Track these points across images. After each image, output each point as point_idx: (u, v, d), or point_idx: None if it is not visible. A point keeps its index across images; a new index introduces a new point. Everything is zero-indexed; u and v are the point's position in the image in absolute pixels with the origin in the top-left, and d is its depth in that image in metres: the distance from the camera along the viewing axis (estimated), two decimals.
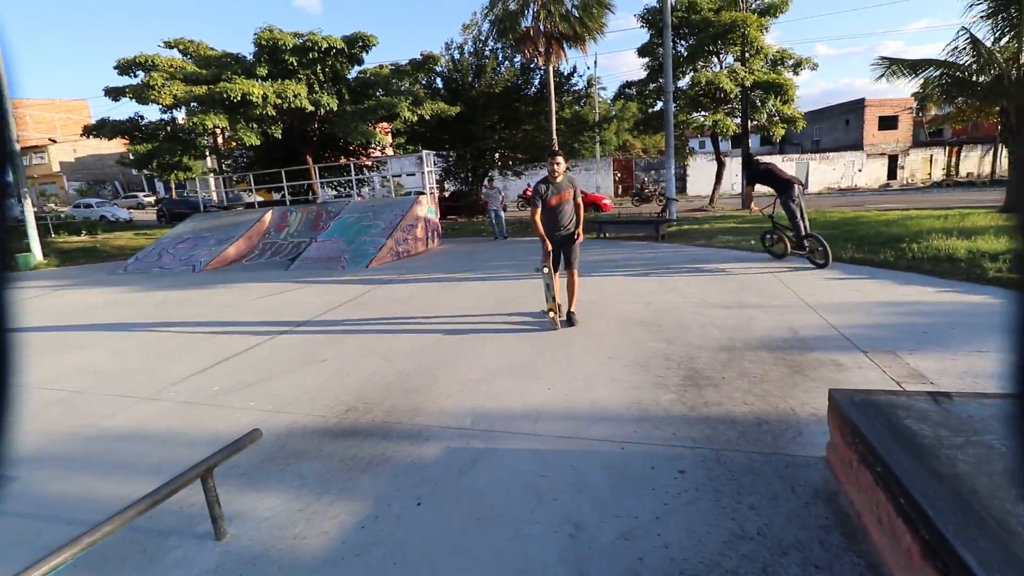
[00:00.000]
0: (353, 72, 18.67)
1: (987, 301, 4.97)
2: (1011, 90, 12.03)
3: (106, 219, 31.72)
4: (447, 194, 24.82)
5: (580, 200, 5.09)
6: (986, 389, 3.04)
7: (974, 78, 13.16)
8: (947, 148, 39.75)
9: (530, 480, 2.54)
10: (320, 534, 2.27)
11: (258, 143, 15.37)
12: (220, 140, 22.56)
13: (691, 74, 19.77)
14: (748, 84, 18.50)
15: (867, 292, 5.56)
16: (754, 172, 7.60)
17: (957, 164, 39.33)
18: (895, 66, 14.53)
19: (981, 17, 12.79)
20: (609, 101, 33.08)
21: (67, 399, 4.16)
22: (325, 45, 15.40)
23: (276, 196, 26.78)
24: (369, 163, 23.18)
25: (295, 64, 15.40)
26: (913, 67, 14.19)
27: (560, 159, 4.89)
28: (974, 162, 38.91)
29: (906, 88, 14.11)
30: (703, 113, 20.28)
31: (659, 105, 20.62)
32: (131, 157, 18.09)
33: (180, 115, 18.87)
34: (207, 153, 21.90)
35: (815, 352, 3.94)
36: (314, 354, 4.80)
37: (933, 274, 6.08)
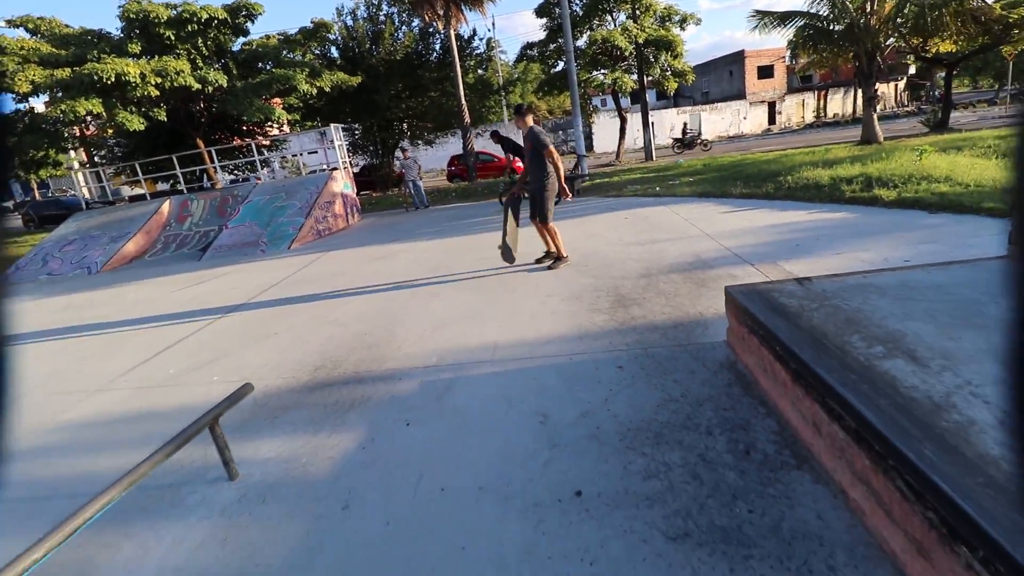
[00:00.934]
0: (238, 44, 17.35)
1: (845, 217, 6.04)
2: (861, 36, 13.77)
3: None
4: (357, 169, 24.07)
5: (551, 149, 5.23)
6: (845, 277, 3.89)
7: (831, 27, 14.86)
8: (816, 92, 44.17)
9: (498, 393, 3.00)
10: (325, 460, 2.59)
11: (142, 127, 14.03)
12: (89, 130, 20.23)
13: (588, 33, 20.40)
14: (641, 41, 19.46)
15: (753, 219, 6.50)
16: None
17: (825, 106, 43.93)
18: (767, 18, 16.00)
19: None
20: (511, 64, 33.21)
21: (25, 393, 4.01)
22: (205, 15, 14.18)
23: (163, 186, 24.55)
24: (267, 143, 21.85)
25: (172, 38, 14.08)
26: (782, 19, 15.72)
27: (529, 113, 5.23)
28: (839, 103, 43.64)
29: (779, 38, 15.67)
30: (603, 71, 21.11)
31: (561, 65, 21.16)
32: None
33: (40, 104, 16.69)
34: (75, 145, 19.59)
35: (715, 269, 4.69)
36: (263, 330, 4.90)
37: (804, 200, 7.18)
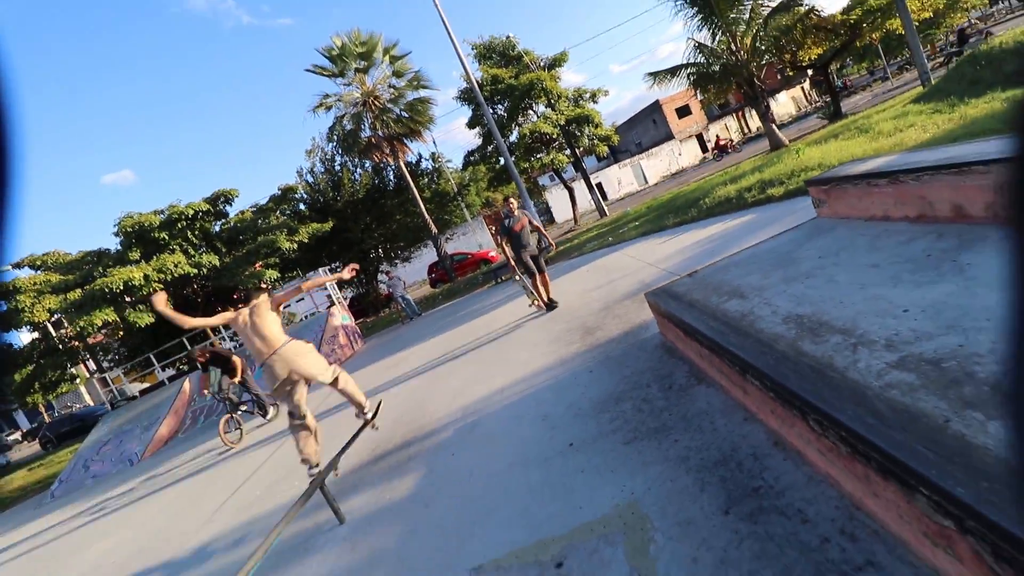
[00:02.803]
0: (217, 225, 19.49)
1: (749, 219, 7.47)
2: (734, 71, 16.27)
3: None
4: (347, 301, 25.74)
5: (536, 223, 7.29)
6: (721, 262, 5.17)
7: (711, 70, 17.46)
8: (735, 113, 48.49)
9: (511, 415, 4.11)
10: (402, 490, 3.63)
11: (152, 321, 15.55)
12: (97, 337, 21.77)
13: (517, 129, 23.20)
14: (563, 123, 22.19)
15: (682, 241, 7.91)
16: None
17: (746, 123, 48.06)
18: (659, 75, 18.71)
19: (696, 28, 17.08)
20: (460, 169, 36.53)
21: (138, 551, 4.95)
22: (191, 212, 16.29)
23: (164, 375, 25.81)
24: None
25: (166, 238, 16.04)
26: (671, 72, 18.41)
27: (512, 199, 7.26)
28: (756, 119, 47.85)
29: (673, 88, 18.32)
30: (539, 156, 23.72)
31: (503, 161, 23.75)
32: None
33: (51, 328, 18.27)
34: (85, 357, 21.00)
35: (654, 287, 5.95)
36: (327, 433, 5.93)
37: (720, 213, 8.68)
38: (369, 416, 4.59)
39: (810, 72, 25.60)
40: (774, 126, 17.06)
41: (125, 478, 10.38)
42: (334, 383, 4.34)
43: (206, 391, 8.74)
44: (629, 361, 4.07)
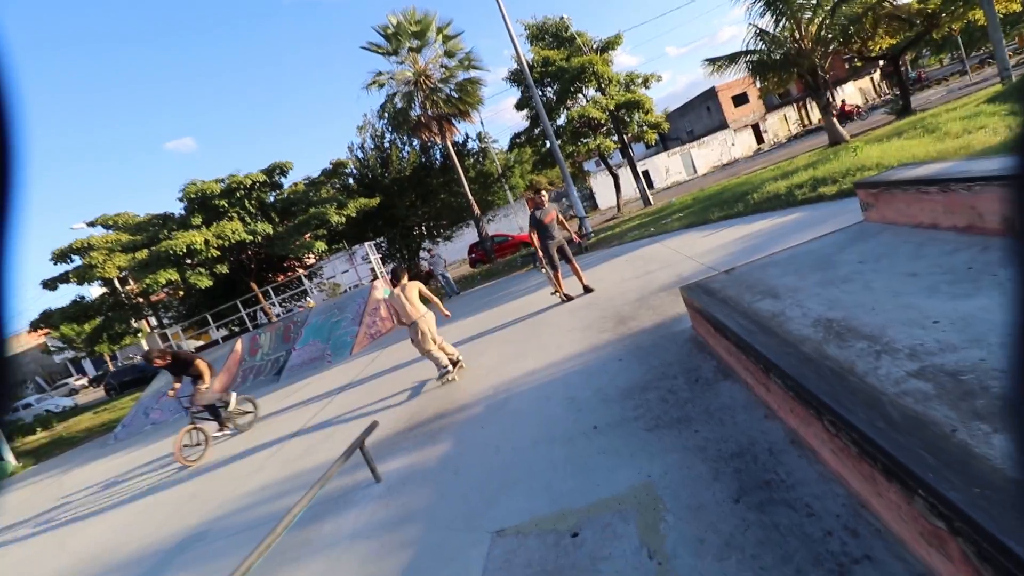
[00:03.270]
0: (272, 196, 20.36)
1: (796, 217, 7.29)
2: (796, 60, 15.55)
3: (51, 412, 30.77)
4: (389, 276, 26.48)
5: (561, 217, 7.57)
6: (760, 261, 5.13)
7: (772, 58, 16.75)
8: (795, 104, 46.22)
9: (540, 395, 4.29)
10: (434, 457, 3.89)
11: (210, 283, 16.55)
12: (159, 295, 23.30)
13: (565, 112, 22.99)
14: (612, 108, 21.83)
15: (725, 236, 7.80)
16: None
17: (807, 115, 45.76)
18: (718, 62, 18.11)
19: (759, 14, 16.37)
20: (505, 151, 36.56)
21: (194, 494, 5.46)
22: (249, 182, 17.09)
23: (218, 334, 27.40)
24: (306, 272, 24.58)
25: (226, 205, 16.93)
26: (731, 60, 17.78)
27: (543, 193, 7.60)
28: (817, 111, 45.49)
29: (731, 76, 17.71)
30: (586, 141, 23.47)
31: (548, 144, 23.65)
32: (60, 344, 18.66)
33: (118, 284, 19.68)
34: (148, 313, 22.52)
35: (691, 282, 5.96)
36: (359, 408, 6.31)
37: (767, 210, 8.47)
38: (451, 371, 5.93)
39: (881, 63, 24.14)
40: (835, 120, 16.26)
41: (182, 426, 11.24)
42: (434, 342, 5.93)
43: (170, 393, 7.70)
44: (659, 352, 4.17)
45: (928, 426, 1.61)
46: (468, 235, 28.92)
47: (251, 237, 17.00)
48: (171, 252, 15.40)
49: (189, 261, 16.08)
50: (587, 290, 7.41)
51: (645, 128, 23.24)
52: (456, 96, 18.61)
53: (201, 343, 27.07)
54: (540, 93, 21.55)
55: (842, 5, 14.39)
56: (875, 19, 15.10)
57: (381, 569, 2.77)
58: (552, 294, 7.74)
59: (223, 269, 17.24)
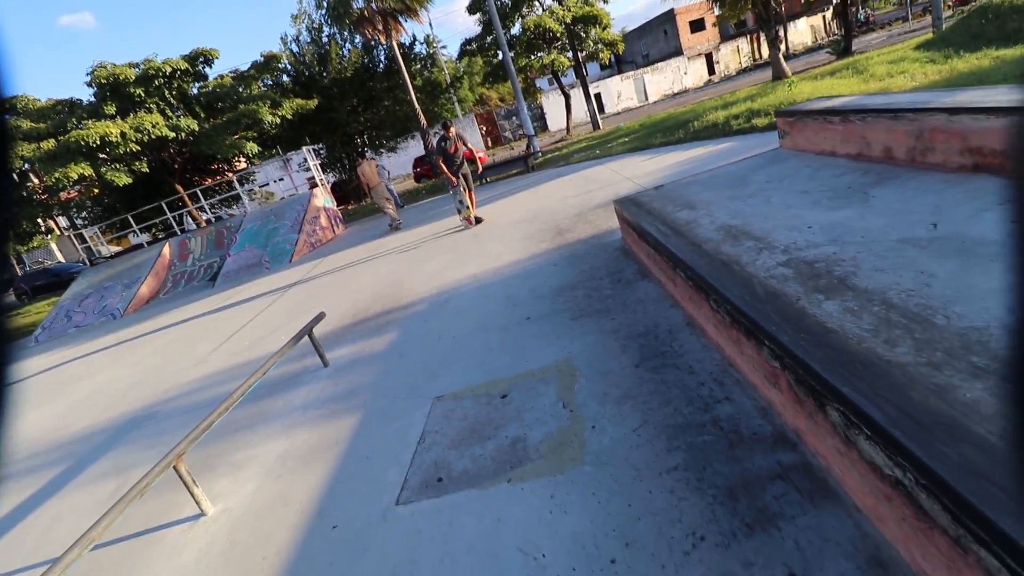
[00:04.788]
0: (195, 88, 18.54)
1: (730, 145, 7.74)
2: None
3: None
4: (329, 186, 25.38)
5: (471, 147, 8.10)
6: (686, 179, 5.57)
7: None
8: (749, 36, 46.04)
9: (480, 294, 4.64)
10: (380, 345, 4.21)
11: (130, 181, 15.30)
12: (70, 193, 21.29)
13: (520, 21, 21.87)
14: (569, 20, 20.99)
15: (663, 161, 8.19)
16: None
17: (758, 48, 45.86)
18: None
19: None
20: (455, 60, 34.52)
21: (137, 382, 5.56)
22: (168, 69, 15.42)
23: (139, 239, 25.61)
24: (234, 177, 23.11)
25: (142, 95, 15.31)
26: None
27: (451, 127, 7.93)
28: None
29: None
30: (540, 54, 22.62)
31: (500, 55, 22.62)
32: None
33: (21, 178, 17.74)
34: (59, 212, 20.66)
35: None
36: (302, 308, 6.46)
37: (705, 138, 8.89)
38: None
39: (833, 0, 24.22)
40: (781, 56, 16.61)
41: (110, 329, 10.91)
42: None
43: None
44: (590, 259, 4.58)
45: (780, 297, 2.07)
46: (413, 149, 27.87)
47: (174, 133, 15.62)
48: (83, 143, 13.97)
49: (104, 155, 14.70)
50: (477, 219, 7.97)
51: (601, 46, 22.67)
52: None
53: (120, 248, 25.35)
54: None
55: None
56: None
57: (332, 429, 3.13)
58: (462, 219, 8.08)
59: (143, 167, 15.91)
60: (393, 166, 30.41)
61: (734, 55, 45.63)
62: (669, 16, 44.35)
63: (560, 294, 3.99)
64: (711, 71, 44.34)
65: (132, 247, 22.64)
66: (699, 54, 44.28)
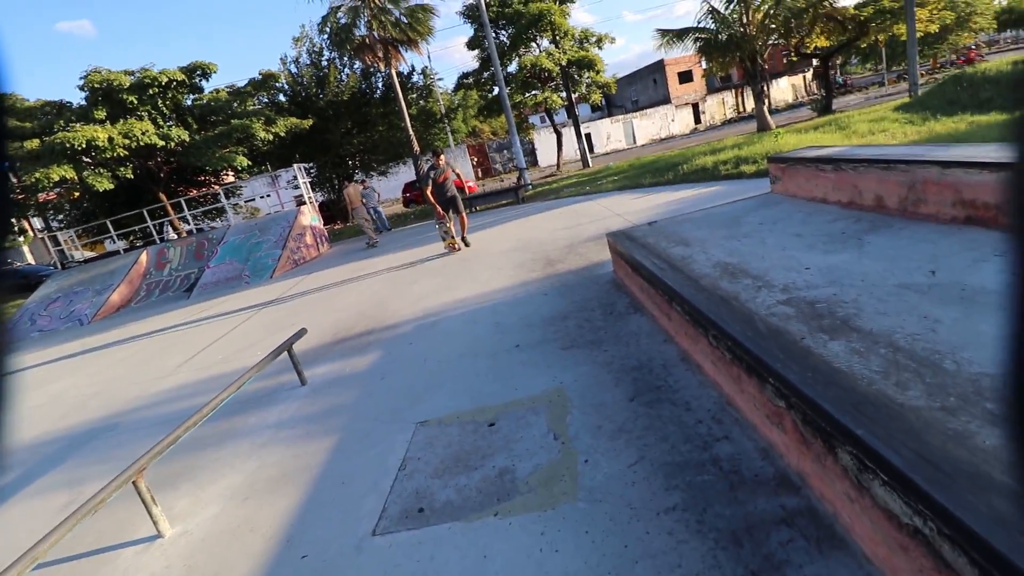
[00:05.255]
0: (190, 99, 18.48)
1: (718, 189, 7.91)
2: (741, 43, 16.22)
3: None
4: (316, 205, 25.25)
5: (459, 173, 8.03)
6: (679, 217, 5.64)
7: (719, 38, 17.30)
8: (734, 90, 48.12)
9: (468, 319, 4.55)
10: (361, 366, 4.07)
11: (111, 187, 14.98)
12: (49, 195, 20.77)
13: (517, 59, 22.52)
14: (564, 63, 21.68)
15: (653, 200, 8.32)
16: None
17: (743, 101, 47.89)
18: (668, 35, 18.41)
19: None
20: (451, 92, 35.27)
21: (99, 392, 5.27)
22: (164, 79, 15.37)
23: (115, 245, 24.96)
24: (219, 189, 22.87)
25: (135, 102, 15.18)
26: (679, 35, 18.14)
27: (441, 155, 7.92)
28: (752, 99, 47.76)
29: (679, 52, 18.26)
30: (534, 92, 23.24)
31: (496, 91, 23.15)
32: None
33: None
34: (35, 213, 20.10)
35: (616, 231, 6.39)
36: (282, 324, 6.26)
37: (693, 181, 9.09)
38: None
39: (815, 62, 25.75)
40: (765, 109, 17.32)
41: (75, 335, 10.46)
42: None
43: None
44: (581, 290, 4.54)
45: (784, 335, 2.03)
46: (403, 174, 28.03)
47: (163, 142, 15.45)
48: (68, 146, 13.71)
49: (88, 159, 14.42)
50: (465, 243, 8.02)
51: (594, 88, 23.39)
52: (406, 22, 17.60)
53: (94, 254, 24.67)
54: (494, 35, 20.88)
55: None
56: (814, 17, 15.99)
57: (306, 451, 2.96)
58: (445, 246, 8.11)
59: (127, 173, 15.63)
60: (383, 190, 30.49)
61: (719, 106, 47.51)
62: (659, 66, 46.22)
63: (551, 323, 3.92)
64: (697, 120, 46.00)
65: (107, 253, 22.05)
66: (686, 103, 46.01)
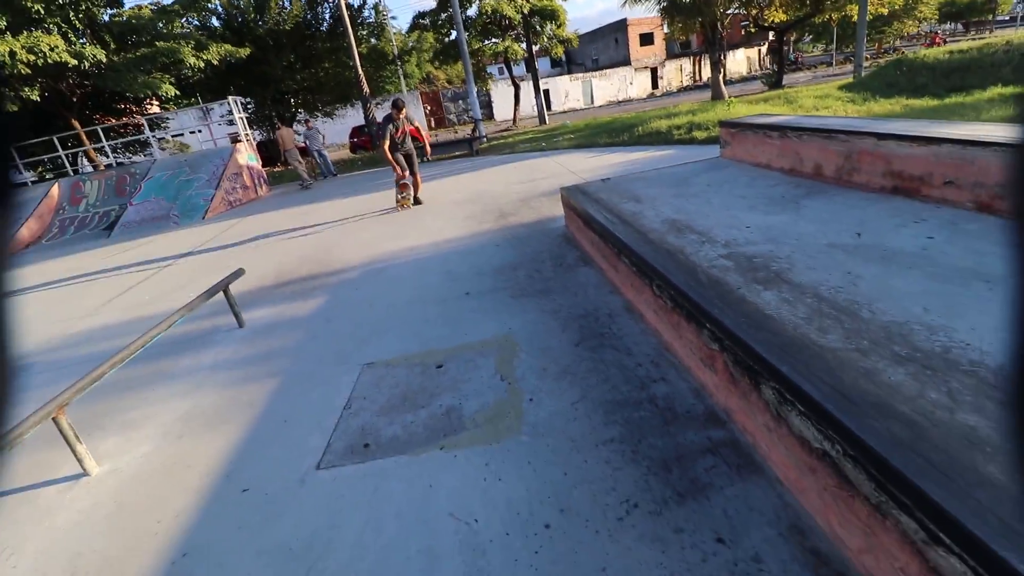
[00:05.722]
0: (106, 15, 16.49)
1: (670, 153, 8.05)
2: (703, 8, 16.22)
3: None
4: (255, 144, 23.64)
5: (417, 125, 7.25)
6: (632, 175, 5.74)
7: (682, 0, 17.20)
8: (692, 57, 48.38)
9: (418, 266, 4.49)
10: (304, 310, 3.95)
11: (15, 109, 13.32)
12: None
13: (478, 3, 21.47)
14: (527, 11, 20.91)
15: (608, 160, 8.37)
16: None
17: (700, 70, 48.35)
18: None
19: None
20: (405, 33, 33.31)
21: None
22: None
23: (22, 177, 22.43)
24: (143, 120, 20.89)
25: (42, 11, 13.36)
26: None
27: (404, 109, 6.99)
28: (708, 67, 48.25)
29: (644, 11, 18.08)
30: (494, 40, 22.39)
31: (454, 35, 22.10)
32: None
33: None
34: None
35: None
36: (218, 265, 5.94)
37: (647, 143, 9.20)
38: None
39: (771, 36, 26.16)
40: (721, 79, 17.58)
41: None
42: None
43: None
44: (532, 242, 4.56)
45: (722, 285, 2.15)
46: (351, 118, 26.61)
47: (76, 61, 13.77)
48: None
49: None
50: (417, 201, 7.41)
51: (555, 41, 22.82)
52: None
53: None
54: None
55: None
56: None
57: (245, 392, 2.88)
58: (398, 201, 7.36)
59: (33, 95, 13.89)
60: (329, 133, 28.93)
61: (677, 73, 47.79)
62: (621, 25, 45.58)
63: (501, 272, 3.94)
64: (655, 85, 46.14)
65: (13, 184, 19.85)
66: (645, 67, 45.91)
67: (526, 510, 1.70)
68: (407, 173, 7.17)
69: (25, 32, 13.02)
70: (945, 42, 27.54)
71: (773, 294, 2.00)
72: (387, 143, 6.95)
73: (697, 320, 2.05)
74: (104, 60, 14.49)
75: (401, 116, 7.01)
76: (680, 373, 2.27)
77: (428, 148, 7.80)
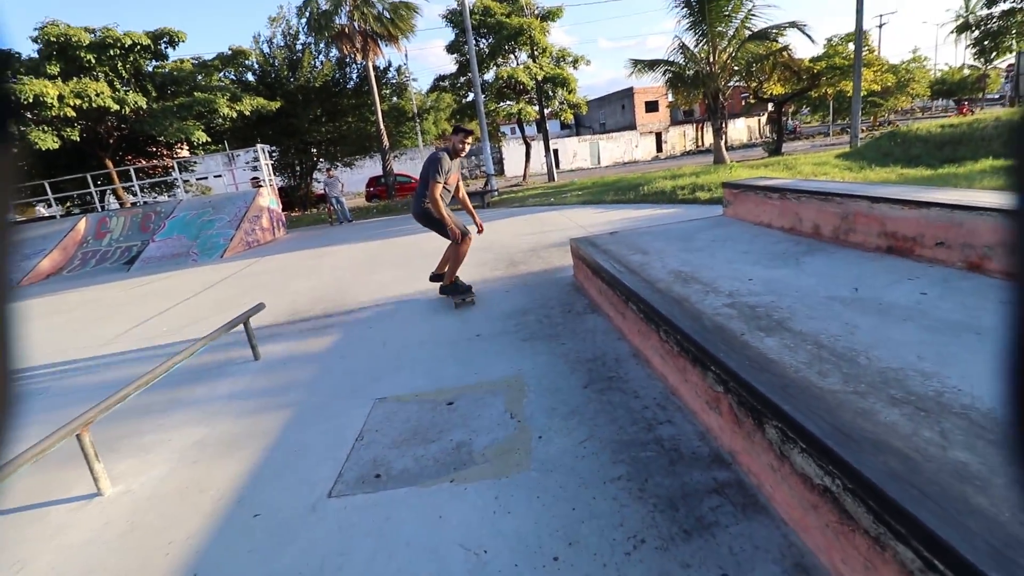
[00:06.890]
0: (151, 66, 17.64)
1: (674, 211, 8.33)
2: (706, 80, 17.13)
3: None
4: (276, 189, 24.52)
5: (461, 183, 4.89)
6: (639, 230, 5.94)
7: (686, 73, 18.20)
8: (695, 124, 50.41)
9: (429, 308, 4.62)
10: (319, 347, 4.05)
11: (56, 146, 14.04)
12: None
13: (494, 69, 22.80)
14: (540, 78, 22.14)
15: (614, 216, 8.66)
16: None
17: (702, 136, 50.25)
18: (640, 65, 19.19)
19: (685, 29, 17.61)
20: (424, 93, 35.19)
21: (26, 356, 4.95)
22: (128, 42, 14.62)
23: (48, 211, 23.26)
24: (172, 162, 21.81)
25: (92, 61, 14.35)
26: (651, 66, 18.94)
27: (469, 137, 4.41)
28: (711, 134, 50.18)
29: (649, 81, 19.19)
30: (508, 103, 23.58)
31: (471, 96, 23.33)
32: None
33: None
34: None
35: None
36: (233, 303, 6.10)
37: (652, 202, 9.52)
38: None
39: (770, 107, 27.50)
40: (722, 144, 18.32)
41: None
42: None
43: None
44: (541, 290, 4.71)
45: (726, 331, 2.25)
46: (369, 168, 27.69)
47: (118, 106, 14.64)
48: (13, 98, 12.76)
49: (31, 115, 13.49)
50: (437, 278, 4.86)
51: (566, 107, 23.97)
52: (388, 17, 17.56)
53: (23, 218, 22.90)
54: (474, 42, 21.11)
55: (749, 43, 16.14)
56: (773, 64, 17.14)
57: (260, 421, 2.95)
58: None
59: (73, 135, 14.70)
60: (346, 183, 29.98)
61: (681, 138, 49.62)
62: (628, 93, 47.90)
63: (511, 317, 4.06)
64: (659, 148, 47.83)
65: (37, 218, 20.52)
66: (650, 132, 47.78)
67: (535, 542, 1.73)
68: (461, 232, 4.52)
69: (75, 79, 13.92)
70: (973, 112, 28.76)
71: (775, 340, 2.10)
72: (439, 189, 4.28)
73: (703, 363, 2.14)
74: (144, 106, 15.38)
75: (464, 146, 4.39)
76: (686, 416, 2.33)
77: (478, 219, 4.84)
